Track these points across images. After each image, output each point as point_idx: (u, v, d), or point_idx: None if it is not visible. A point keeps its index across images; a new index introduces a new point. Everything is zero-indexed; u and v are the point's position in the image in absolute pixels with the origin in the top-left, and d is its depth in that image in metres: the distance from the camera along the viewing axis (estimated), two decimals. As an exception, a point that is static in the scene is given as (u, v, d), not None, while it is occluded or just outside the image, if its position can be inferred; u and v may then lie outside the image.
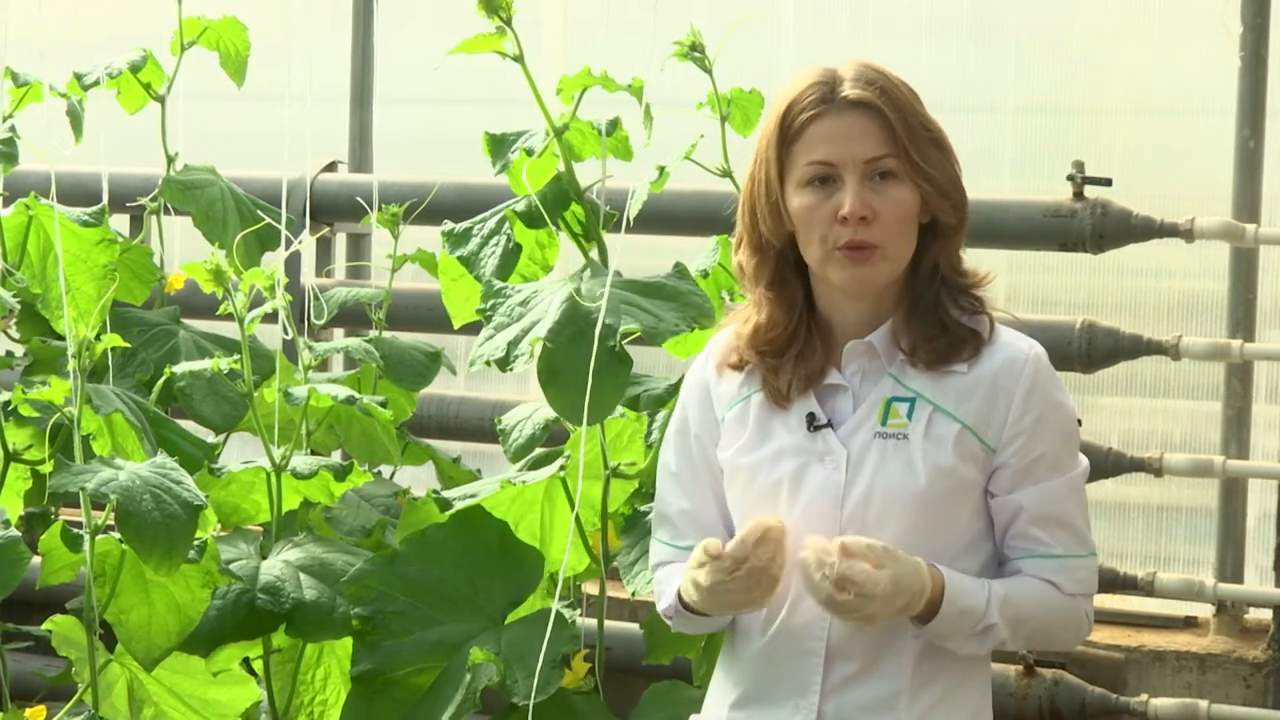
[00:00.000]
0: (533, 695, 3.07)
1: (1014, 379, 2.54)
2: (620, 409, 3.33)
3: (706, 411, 2.66)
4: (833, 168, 2.50)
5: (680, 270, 3.23)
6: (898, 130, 2.49)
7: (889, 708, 2.52)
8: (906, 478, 2.51)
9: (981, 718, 2.61)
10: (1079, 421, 4.12)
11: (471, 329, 3.50)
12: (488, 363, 3.11)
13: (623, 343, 3.07)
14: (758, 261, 2.61)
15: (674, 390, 3.30)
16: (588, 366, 3.05)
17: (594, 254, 3.33)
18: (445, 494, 3.39)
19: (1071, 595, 2.57)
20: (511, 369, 3.10)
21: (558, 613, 3.11)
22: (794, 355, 2.57)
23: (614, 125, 3.34)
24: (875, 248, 2.50)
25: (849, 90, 2.50)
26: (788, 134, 2.53)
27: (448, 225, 3.40)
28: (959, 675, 2.56)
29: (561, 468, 3.32)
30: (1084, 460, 2.61)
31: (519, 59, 3.22)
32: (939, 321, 2.54)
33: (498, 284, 3.24)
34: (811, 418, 2.55)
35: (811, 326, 2.59)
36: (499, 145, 3.35)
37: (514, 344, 3.11)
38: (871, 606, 2.42)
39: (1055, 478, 2.55)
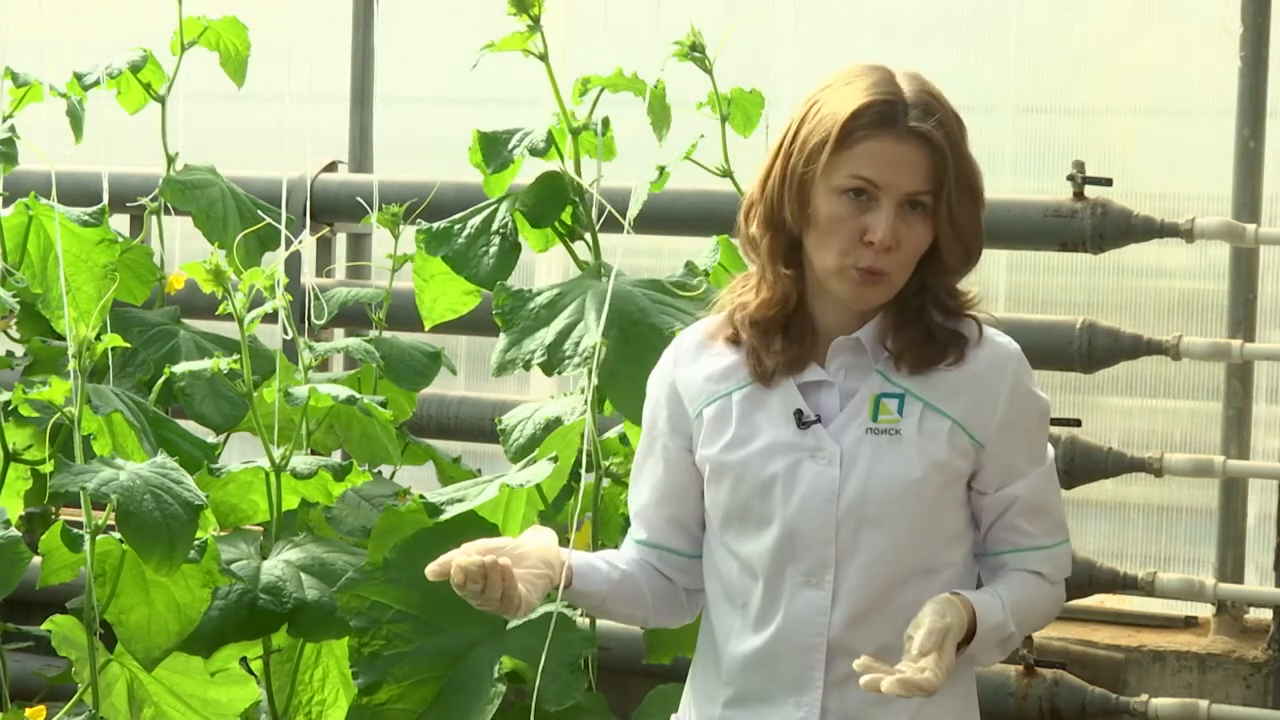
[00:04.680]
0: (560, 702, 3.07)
1: (1000, 376, 2.56)
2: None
3: (675, 408, 2.66)
4: (875, 188, 2.50)
5: (693, 269, 3.25)
6: (945, 174, 2.51)
7: (891, 700, 2.52)
8: (903, 471, 2.53)
9: (970, 705, 2.64)
10: (1079, 422, 4.17)
11: (446, 329, 3.51)
12: (525, 366, 3.12)
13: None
14: (774, 239, 2.58)
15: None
16: (638, 367, 3.06)
17: (593, 254, 3.35)
18: (432, 496, 3.37)
19: (1054, 583, 2.62)
20: (560, 372, 3.10)
21: (565, 616, 3.11)
22: (785, 335, 2.58)
23: (605, 125, 3.35)
24: (887, 274, 2.52)
25: (914, 120, 2.50)
26: (844, 141, 2.50)
27: (422, 225, 3.40)
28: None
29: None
30: (1051, 448, 2.66)
31: (544, 57, 3.24)
32: (925, 329, 2.56)
33: (513, 286, 3.24)
34: (800, 414, 2.56)
35: (802, 313, 2.59)
36: (492, 144, 3.34)
37: (554, 347, 3.11)
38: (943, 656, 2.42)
39: (1037, 468, 2.60)
